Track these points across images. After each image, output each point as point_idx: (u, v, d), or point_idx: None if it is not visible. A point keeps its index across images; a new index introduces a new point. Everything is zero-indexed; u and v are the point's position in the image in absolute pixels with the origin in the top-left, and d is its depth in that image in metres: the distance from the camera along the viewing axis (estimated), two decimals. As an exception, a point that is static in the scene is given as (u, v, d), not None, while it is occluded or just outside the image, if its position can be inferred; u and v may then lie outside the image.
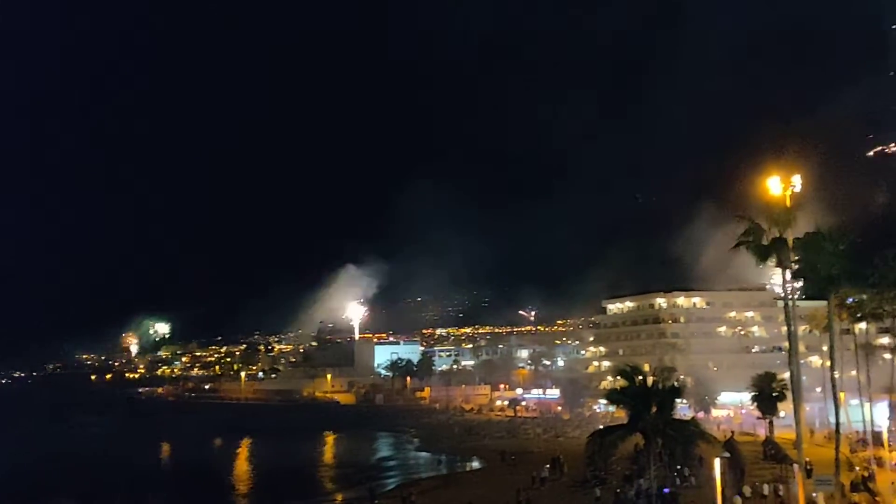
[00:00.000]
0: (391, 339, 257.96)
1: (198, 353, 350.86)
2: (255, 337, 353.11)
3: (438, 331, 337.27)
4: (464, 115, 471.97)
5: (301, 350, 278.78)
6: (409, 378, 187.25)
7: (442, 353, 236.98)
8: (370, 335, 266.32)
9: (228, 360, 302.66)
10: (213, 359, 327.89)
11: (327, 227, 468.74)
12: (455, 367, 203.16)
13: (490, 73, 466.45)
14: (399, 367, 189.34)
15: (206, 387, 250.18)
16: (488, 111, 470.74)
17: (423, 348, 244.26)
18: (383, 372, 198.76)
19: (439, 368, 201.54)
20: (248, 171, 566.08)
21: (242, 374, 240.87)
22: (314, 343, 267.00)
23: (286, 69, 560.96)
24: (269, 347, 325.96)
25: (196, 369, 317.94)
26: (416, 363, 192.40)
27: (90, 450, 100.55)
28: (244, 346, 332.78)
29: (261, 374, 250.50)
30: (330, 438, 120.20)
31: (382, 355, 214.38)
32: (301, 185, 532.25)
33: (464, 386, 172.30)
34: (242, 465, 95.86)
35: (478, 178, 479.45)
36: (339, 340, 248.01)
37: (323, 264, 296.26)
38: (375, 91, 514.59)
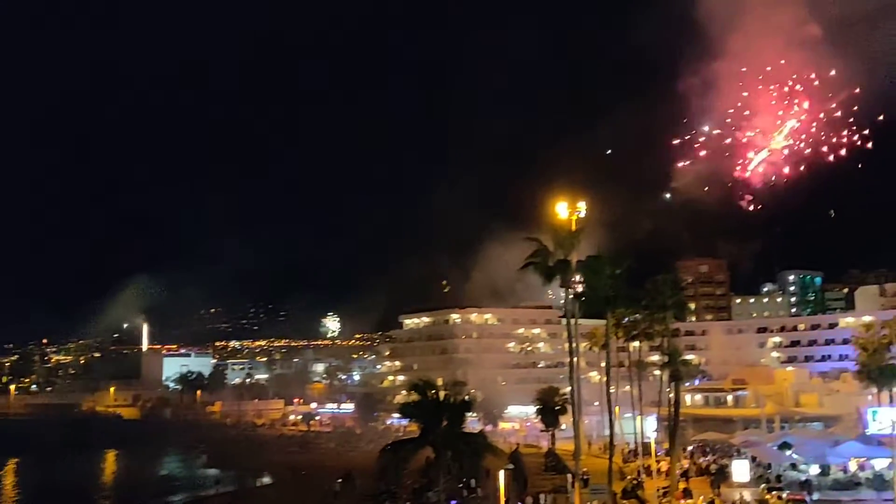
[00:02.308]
0: (182, 351, 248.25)
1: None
2: (30, 347, 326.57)
3: (232, 343, 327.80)
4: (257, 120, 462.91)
5: (82, 362, 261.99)
6: (199, 392, 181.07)
7: (235, 367, 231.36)
8: (159, 347, 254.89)
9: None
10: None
11: (117, 232, 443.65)
12: (248, 380, 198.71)
13: (276, 83, 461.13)
14: (189, 381, 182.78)
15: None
16: (283, 119, 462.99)
17: (215, 361, 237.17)
18: (172, 385, 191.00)
19: (232, 382, 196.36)
20: (34, 172, 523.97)
21: (12, 386, 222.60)
22: (98, 354, 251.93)
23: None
24: (46, 358, 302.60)
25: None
26: (207, 376, 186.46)
27: None
28: (16, 356, 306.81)
29: (34, 386, 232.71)
30: (111, 455, 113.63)
31: (172, 368, 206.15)
32: (87, 189, 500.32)
33: (257, 400, 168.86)
34: (7, 488, 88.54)
35: (272, 187, 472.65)
36: (125, 352, 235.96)
37: (112, 272, 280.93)
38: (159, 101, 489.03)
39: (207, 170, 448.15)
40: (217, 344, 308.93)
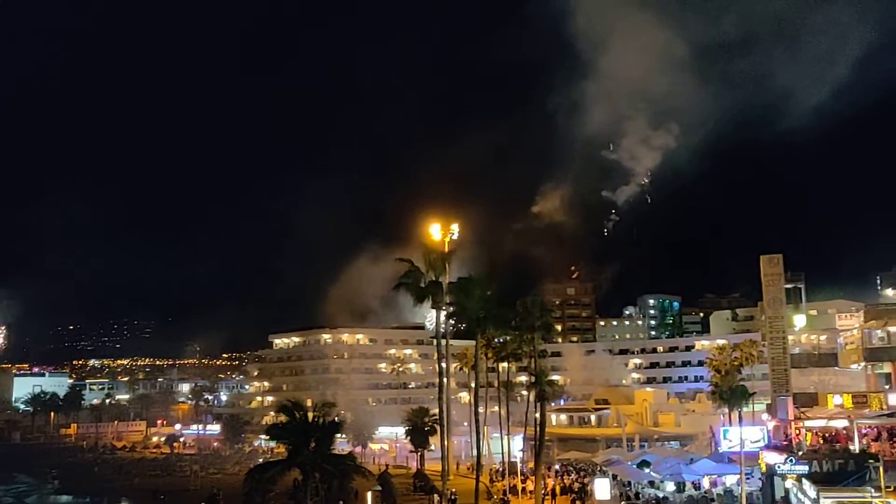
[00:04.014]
0: (35, 369, 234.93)
1: None
2: None
3: (92, 362, 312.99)
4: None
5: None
6: (53, 414, 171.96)
7: (94, 387, 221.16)
8: (9, 365, 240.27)
9: None
10: None
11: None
12: (108, 401, 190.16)
13: (143, 91, 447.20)
14: (42, 402, 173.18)
15: None
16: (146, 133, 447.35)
17: (72, 381, 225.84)
18: (23, 407, 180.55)
19: (90, 403, 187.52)
20: None
21: None
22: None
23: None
24: None
25: None
26: (62, 397, 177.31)
27: None
28: None
29: None
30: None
31: (23, 388, 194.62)
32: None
33: (116, 422, 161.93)
34: None
35: (141, 199, 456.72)
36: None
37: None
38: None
39: (70, 179, 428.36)
40: (75, 362, 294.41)
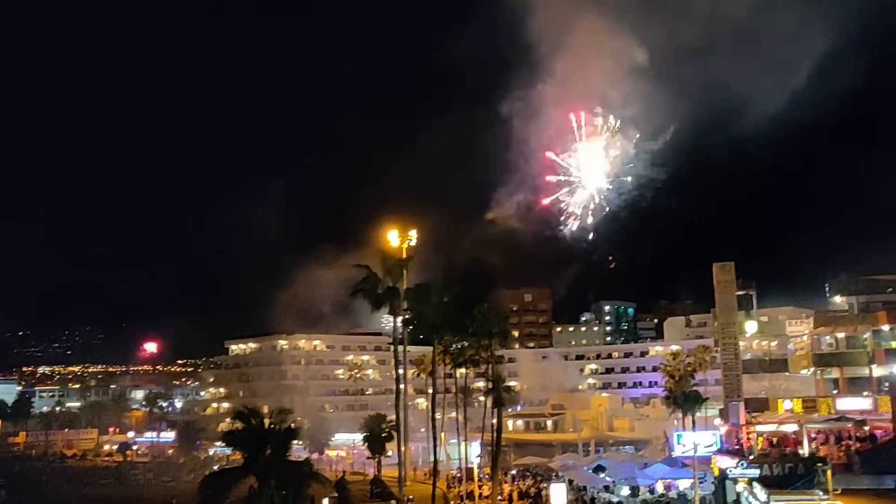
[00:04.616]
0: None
1: None
2: None
3: (42, 368, 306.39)
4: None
5: None
6: (1, 421, 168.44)
7: (44, 394, 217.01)
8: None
9: None
10: None
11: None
12: (59, 408, 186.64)
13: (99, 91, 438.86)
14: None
15: None
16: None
17: (21, 388, 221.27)
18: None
19: (40, 410, 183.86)
20: None
21: None
22: None
23: None
24: None
25: None
26: (10, 405, 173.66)
27: None
28: None
29: None
30: None
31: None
32: None
33: (67, 430, 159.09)
34: None
35: (92, 201, 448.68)
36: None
37: None
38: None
39: (15, 180, 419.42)
40: (24, 369, 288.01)
